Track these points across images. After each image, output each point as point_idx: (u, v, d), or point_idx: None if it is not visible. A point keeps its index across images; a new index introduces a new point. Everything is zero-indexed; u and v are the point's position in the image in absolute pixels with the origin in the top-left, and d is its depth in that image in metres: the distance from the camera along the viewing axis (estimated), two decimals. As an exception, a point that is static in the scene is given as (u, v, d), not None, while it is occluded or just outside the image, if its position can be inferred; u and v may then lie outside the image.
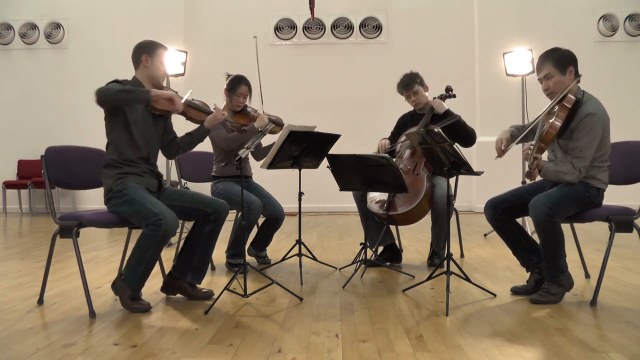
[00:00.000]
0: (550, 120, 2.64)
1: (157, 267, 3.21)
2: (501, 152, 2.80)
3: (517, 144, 2.83)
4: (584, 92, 2.74)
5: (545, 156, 2.91)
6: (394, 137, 3.90)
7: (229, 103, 3.68)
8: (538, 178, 2.73)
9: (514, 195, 2.93)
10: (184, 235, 3.30)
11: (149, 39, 2.88)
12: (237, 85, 3.63)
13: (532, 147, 2.59)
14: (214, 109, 3.01)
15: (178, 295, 2.90)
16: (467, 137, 3.66)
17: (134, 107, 2.73)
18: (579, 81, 2.75)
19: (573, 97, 2.65)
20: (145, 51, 2.81)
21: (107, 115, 2.74)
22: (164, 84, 2.96)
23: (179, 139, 3.01)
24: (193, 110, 2.96)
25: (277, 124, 3.58)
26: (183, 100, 2.82)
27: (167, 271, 2.99)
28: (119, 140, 2.72)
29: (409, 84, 3.73)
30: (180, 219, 3.35)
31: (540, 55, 2.80)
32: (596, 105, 2.68)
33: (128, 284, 2.61)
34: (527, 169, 2.61)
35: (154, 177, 2.83)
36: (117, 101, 2.61)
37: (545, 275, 2.74)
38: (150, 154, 2.83)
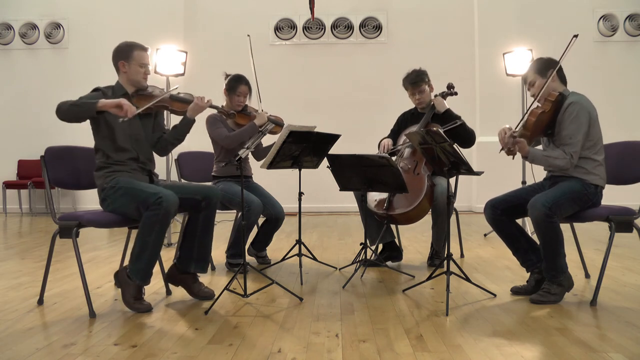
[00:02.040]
0: (531, 109, 2.77)
1: (157, 267, 3.22)
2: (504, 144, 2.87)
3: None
4: (573, 92, 2.82)
5: None
6: (394, 134, 3.90)
7: (229, 103, 3.68)
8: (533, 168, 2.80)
9: (513, 195, 2.93)
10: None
11: (127, 41, 2.86)
12: (236, 85, 3.63)
13: (515, 130, 2.71)
14: (197, 97, 2.92)
15: (178, 294, 2.90)
16: (467, 138, 3.67)
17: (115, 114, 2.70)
18: (565, 82, 2.86)
19: (556, 92, 2.76)
20: (121, 57, 2.81)
21: (91, 123, 2.74)
22: (166, 86, 2.95)
23: (166, 134, 2.98)
24: (176, 103, 2.91)
25: (277, 124, 3.58)
26: (164, 97, 2.80)
27: (166, 270, 2.99)
28: (104, 146, 2.74)
29: (417, 81, 3.69)
30: None
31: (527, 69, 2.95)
32: (579, 97, 2.77)
33: (136, 275, 2.59)
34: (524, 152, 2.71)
35: (144, 173, 2.83)
36: (70, 116, 2.57)
37: (545, 275, 2.74)
38: (140, 154, 2.83)
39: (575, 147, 2.69)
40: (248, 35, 3.79)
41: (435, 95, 3.76)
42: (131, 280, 2.61)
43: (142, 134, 2.84)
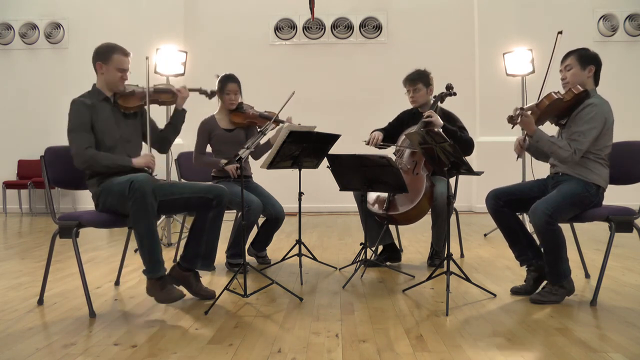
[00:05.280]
0: (550, 92, 2.78)
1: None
2: (520, 151, 2.97)
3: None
4: (598, 95, 2.81)
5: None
6: (391, 127, 3.90)
7: (222, 103, 3.70)
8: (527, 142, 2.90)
9: (517, 189, 2.95)
10: (184, 235, 3.29)
11: (109, 43, 2.81)
12: (224, 83, 3.68)
13: (526, 106, 2.76)
14: (177, 89, 3.00)
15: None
16: (465, 148, 3.63)
17: (102, 120, 2.73)
18: (597, 84, 2.84)
19: (581, 88, 2.75)
20: (99, 58, 2.77)
21: None
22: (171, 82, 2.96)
23: (163, 131, 3.03)
24: (162, 94, 2.95)
25: (268, 118, 3.58)
26: (149, 92, 2.85)
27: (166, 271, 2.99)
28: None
29: (414, 79, 3.76)
30: (182, 212, 3.33)
31: (570, 51, 2.90)
32: (601, 100, 2.76)
33: (144, 271, 2.59)
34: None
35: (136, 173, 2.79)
36: (102, 169, 2.70)
37: (548, 279, 2.74)
38: (133, 154, 2.83)
39: (582, 146, 2.69)
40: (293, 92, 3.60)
41: (434, 96, 3.76)
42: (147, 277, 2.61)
43: (133, 134, 2.85)
